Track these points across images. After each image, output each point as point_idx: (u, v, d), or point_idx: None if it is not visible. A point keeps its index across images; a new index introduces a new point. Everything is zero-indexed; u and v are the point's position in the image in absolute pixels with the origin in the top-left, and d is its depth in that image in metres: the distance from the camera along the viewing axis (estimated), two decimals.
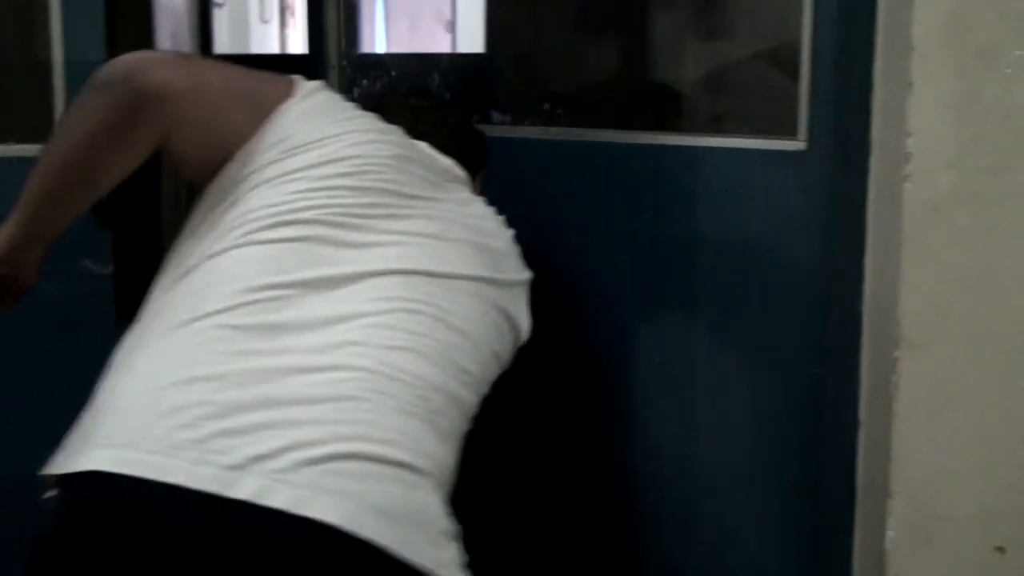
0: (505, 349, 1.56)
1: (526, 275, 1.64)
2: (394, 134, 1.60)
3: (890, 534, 1.44)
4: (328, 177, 1.50)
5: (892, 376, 1.43)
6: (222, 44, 6.86)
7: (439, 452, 1.36)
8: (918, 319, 1.43)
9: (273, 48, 7.51)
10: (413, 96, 1.82)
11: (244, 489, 1.23)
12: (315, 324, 1.39)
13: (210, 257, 1.45)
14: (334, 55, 2.55)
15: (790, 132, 1.64)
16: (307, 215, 1.46)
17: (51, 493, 1.31)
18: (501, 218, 1.66)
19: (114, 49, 1.81)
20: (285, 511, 1.21)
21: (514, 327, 1.59)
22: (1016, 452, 1.43)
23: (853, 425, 1.48)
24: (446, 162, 1.65)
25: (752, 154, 1.73)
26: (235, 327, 1.38)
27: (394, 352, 1.39)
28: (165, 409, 1.30)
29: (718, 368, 1.80)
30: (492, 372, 1.53)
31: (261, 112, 1.52)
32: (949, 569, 1.45)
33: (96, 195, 1.53)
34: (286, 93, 1.54)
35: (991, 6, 1.39)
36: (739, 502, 1.78)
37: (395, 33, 4.90)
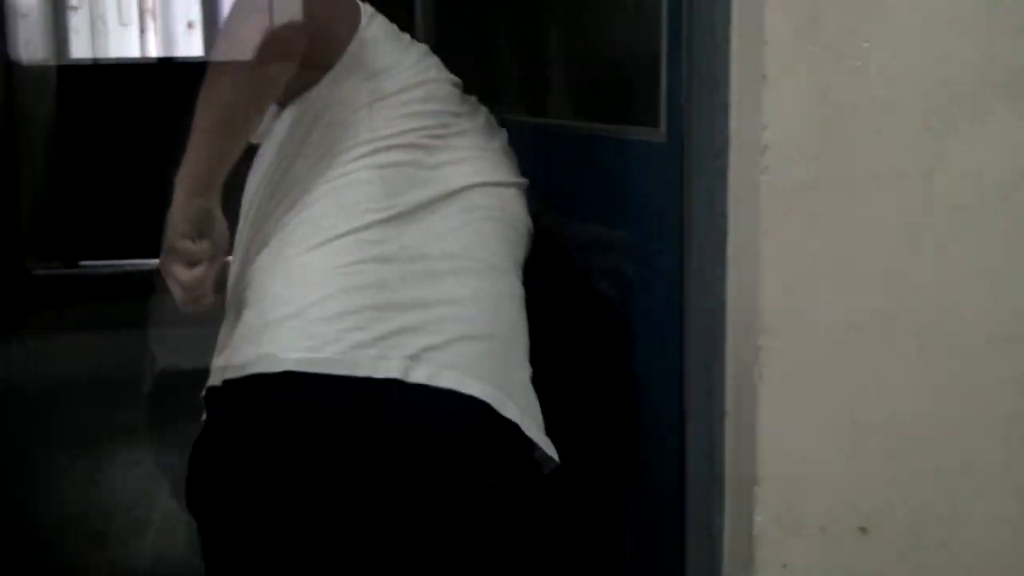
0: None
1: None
2: (432, 55, 1.82)
3: (758, 519, 1.47)
4: (411, 103, 1.72)
5: (755, 364, 1.46)
6: (79, 48, 6.70)
7: (526, 330, 1.69)
8: (778, 308, 1.45)
9: (133, 52, 7.35)
10: None
11: (420, 375, 1.55)
12: (432, 239, 1.66)
13: (330, 181, 1.68)
14: None
15: (654, 123, 1.67)
16: (402, 140, 1.69)
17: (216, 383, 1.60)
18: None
19: None
20: (454, 390, 1.56)
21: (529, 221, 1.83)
22: (876, 436, 1.47)
23: (720, 413, 1.50)
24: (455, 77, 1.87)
25: (617, 143, 1.75)
26: (372, 242, 1.64)
27: (494, 257, 1.69)
28: (334, 315, 1.58)
29: (578, 355, 1.81)
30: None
31: (348, 31, 1.72)
32: (816, 550, 1.48)
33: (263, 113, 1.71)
34: (357, 14, 1.75)
35: (839, 0, 1.42)
36: (606, 492, 1.79)
37: None
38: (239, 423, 1.59)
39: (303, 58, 1.65)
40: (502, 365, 1.61)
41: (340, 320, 1.57)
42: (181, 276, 1.60)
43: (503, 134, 1.86)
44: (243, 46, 1.59)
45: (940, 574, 1.49)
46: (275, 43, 1.59)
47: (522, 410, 1.59)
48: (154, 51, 7.46)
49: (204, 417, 1.64)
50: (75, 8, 7.01)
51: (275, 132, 1.76)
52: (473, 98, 1.85)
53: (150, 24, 7.85)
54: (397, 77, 1.73)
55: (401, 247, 1.63)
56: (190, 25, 7.49)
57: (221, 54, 1.65)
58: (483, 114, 1.85)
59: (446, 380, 1.55)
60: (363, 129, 1.69)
